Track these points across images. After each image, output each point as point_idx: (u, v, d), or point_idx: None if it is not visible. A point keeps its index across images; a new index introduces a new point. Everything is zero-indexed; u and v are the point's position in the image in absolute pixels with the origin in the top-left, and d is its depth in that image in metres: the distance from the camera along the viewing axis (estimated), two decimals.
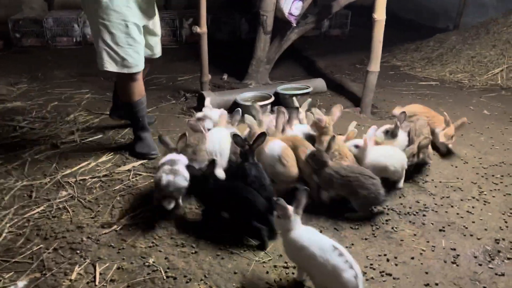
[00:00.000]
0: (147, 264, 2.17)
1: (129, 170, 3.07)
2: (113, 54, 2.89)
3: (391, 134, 3.02)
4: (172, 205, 2.47)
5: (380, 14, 3.87)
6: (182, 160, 2.61)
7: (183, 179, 2.45)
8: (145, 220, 2.52)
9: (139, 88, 3.11)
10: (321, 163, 2.58)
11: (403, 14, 9.24)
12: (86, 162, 3.16)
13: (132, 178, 2.97)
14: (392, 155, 2.78)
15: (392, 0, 4.15)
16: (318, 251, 1.86)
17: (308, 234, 1.97)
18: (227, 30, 7.27)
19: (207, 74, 4.51)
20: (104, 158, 3.23)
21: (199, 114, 3.37)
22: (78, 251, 2.25)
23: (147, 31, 3.17)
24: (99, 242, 2.33)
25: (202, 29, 4.25)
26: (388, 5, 3.83)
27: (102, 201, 2.71)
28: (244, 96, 4.28)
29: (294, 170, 2.65)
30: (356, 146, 2.83)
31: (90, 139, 3.59)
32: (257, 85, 5.02)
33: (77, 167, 3.09)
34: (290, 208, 1.97)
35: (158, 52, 3.43)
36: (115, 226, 2.45)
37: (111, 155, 3.29)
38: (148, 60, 3.38)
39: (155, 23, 3.28)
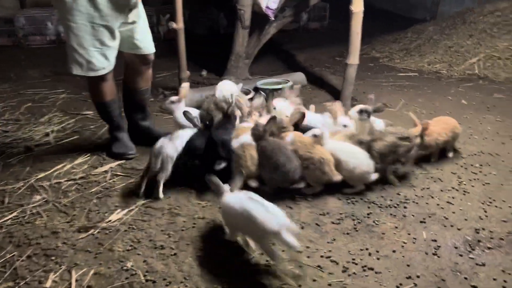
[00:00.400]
0: (125, 268, 2.11)
1: (106, 171, 2.99)
2: (78, 57, 2.77)
3: (366, 114, 2.94)
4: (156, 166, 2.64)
5: (357, 6, 3.85)
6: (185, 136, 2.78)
7: (172, 149, 2.67)
8: (123, 222, 2.46)
9: (110, 88, 3.01)
10: (257, 137, 2.70)
11: (381, 5, 9.28)
12: (61, 165, 3.07)
13: (110, 179, 2.90)
14: (351, 153, 2.69)
15: None
16: (235, 203, 2.13)
17: (234, 195, 2.21)
18: (205, 25, 7.19)
19: (186, 70, 4.43)
20: (80, 160, 3.14)
21: (173, 98, 3.32)
22: (53, 258, 2.18)
23: (124, 24, 2.90)
24: (75, 247, 2.26)
25: (179, 25, 4.17)
26: None
27: (78, 204, 2.63)
28: None
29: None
30: (314, 136, 2.77)
31: (66, 140, 3.50)
32: (237, 80, 4.96)
33: (52, 170, 3.00)
34: (222, 185, 2.24)
35: (145, 46, 3.04)
36: (92, 230, 2.38)
37: (88, 156, 3.20)
38: (140, 59, 3.09)
39: (134, 12, 2.90)
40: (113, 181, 2.88)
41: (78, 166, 3.07)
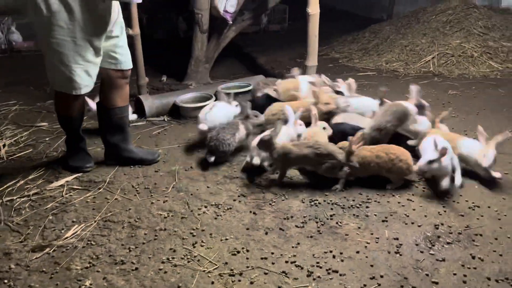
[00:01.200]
0: (83, 287, 2.03)
1: (62, 186, 2.87)
2: (59, 74, 2.63)
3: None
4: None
5: (314, 8, 3.89)
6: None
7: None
8: (81, 238, 2.36)
9: (80, 104, 2.92)
10: None
11: (339, 6, 9.44)
12: (13, 181, 2.92)
13: (66, 194, 2.78)
14: None
15: None
16: None
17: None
18: (164, 29, 7.08)
19: (144, 76, 4.35)
20: (34, 175, 3.01)
21: None
22: (5, 281, 2.06)
23: (108, 38, 2.74)
24: (29, 268, 2.15)
25: (135, 30, 4.08)
26: None
27: (32, 222, 2.51)
28: (184, 97, 4.17)
29: None
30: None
31: (19, 154, 3.34)
32: (197, 85, 4.91)
33: (4, 187, 2.86)
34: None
35: (125, 61, 2.89)
36: (47, 249, 2.27)
37: (42, 170, 3.07)
38: (119, 74, 2.89)
39: (118, 26, 2.79)
40: (70, 195, 2.77)
41: (32, 181, 2.93)
